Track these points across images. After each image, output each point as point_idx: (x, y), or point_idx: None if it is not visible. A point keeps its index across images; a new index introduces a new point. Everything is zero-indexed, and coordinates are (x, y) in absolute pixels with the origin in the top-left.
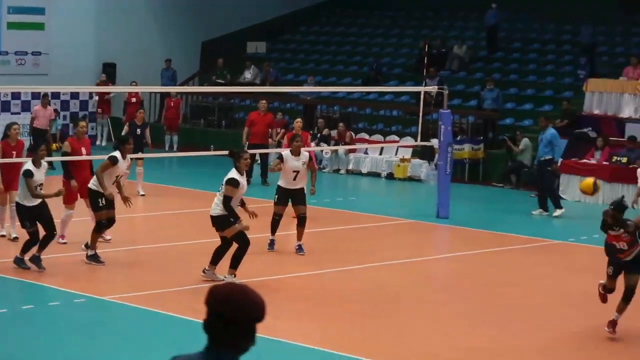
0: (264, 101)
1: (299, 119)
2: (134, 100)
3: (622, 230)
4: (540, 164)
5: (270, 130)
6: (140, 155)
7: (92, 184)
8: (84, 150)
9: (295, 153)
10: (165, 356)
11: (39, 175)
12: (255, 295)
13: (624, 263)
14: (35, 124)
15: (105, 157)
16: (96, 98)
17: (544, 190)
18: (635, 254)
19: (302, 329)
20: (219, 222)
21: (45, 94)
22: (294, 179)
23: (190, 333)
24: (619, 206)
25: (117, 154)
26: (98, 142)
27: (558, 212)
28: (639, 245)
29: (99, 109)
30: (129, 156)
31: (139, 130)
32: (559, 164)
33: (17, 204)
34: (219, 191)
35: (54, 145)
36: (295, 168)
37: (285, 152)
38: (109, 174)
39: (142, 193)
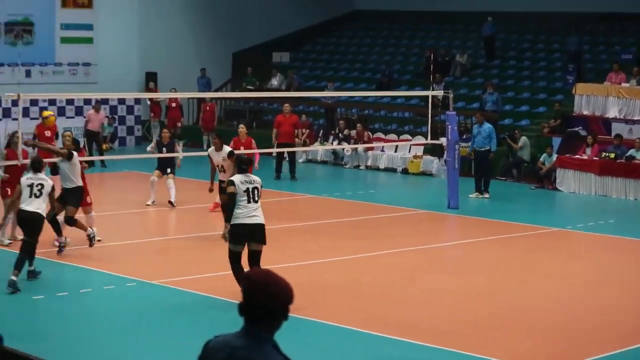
0: (287, 105)
1: (242, 125)
2: (174, 105)
3: None
4: (480, 154)
5: (295, 130)
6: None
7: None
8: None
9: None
10: (209, 336)
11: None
12: (286, 282)
13: None
14: (88, 127)
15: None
16: (148, 103)
17: (484, 175)
18: None
19: (331, 308)
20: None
21: (97, 101)
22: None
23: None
24: None
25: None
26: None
27: (486, 195)
28: None
29: (151, 113)
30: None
31: (164, 149)
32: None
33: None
34: (257, 198)
35: (105, 145)
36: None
37: (210, 149)
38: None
39: (173, 200)
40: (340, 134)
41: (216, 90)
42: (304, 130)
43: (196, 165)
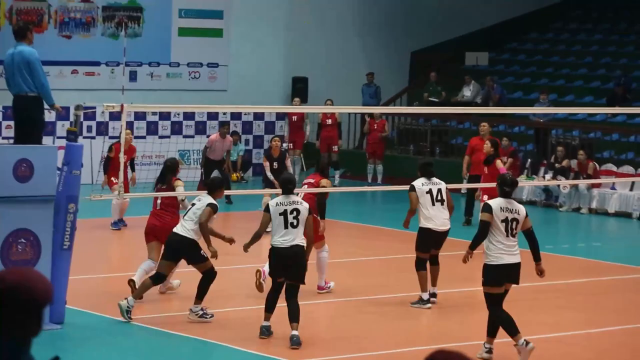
0: (484, 124)
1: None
2: (329, 122)
3: None
4: None
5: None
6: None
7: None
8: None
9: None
10: None
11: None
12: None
13: None
14: (208, 155)
15: None
16: (286, 128)
17: None
18: None
19: None
20: None
21: (226, 123)
22: None
23: None
24: None
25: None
26: None
27: None
28: None
29: (290, 144)
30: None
31: (275, 164)
32: None
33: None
34: (515, 232)
35: (234, 175)
36: None
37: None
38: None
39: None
40: (555, 165)
41: (387, 103)
42: (505, 158)
43: (357, 203)
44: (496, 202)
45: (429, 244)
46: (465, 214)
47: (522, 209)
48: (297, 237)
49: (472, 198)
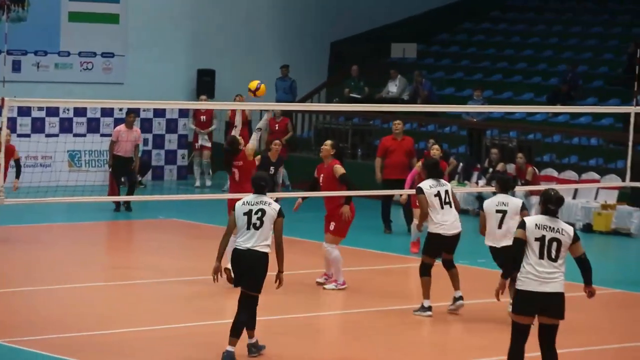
0: (398, 122)
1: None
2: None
3: None
4: None
5: (410, 160)
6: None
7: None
8: None
9: None
10: None
11: None
12: None
13: None
14: (116, 151)
15: None
16: (192, 127)
17: None
18: None
19: None
20: None
21: (131, 111)
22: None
23: None
24: None
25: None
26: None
27: None
28: None
29: (195, 144)
30: None
31: (272, 169)
32: None
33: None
34: (555, 255)
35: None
36: None
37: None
38: None
39: None
40: (489, 169)
41: (303, 100)
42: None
43: None
44: (532, 218)
45: (438, 249)
46: (384, 221)
47: (568, 230)
48: (257, 240)
49: (389, 205)
